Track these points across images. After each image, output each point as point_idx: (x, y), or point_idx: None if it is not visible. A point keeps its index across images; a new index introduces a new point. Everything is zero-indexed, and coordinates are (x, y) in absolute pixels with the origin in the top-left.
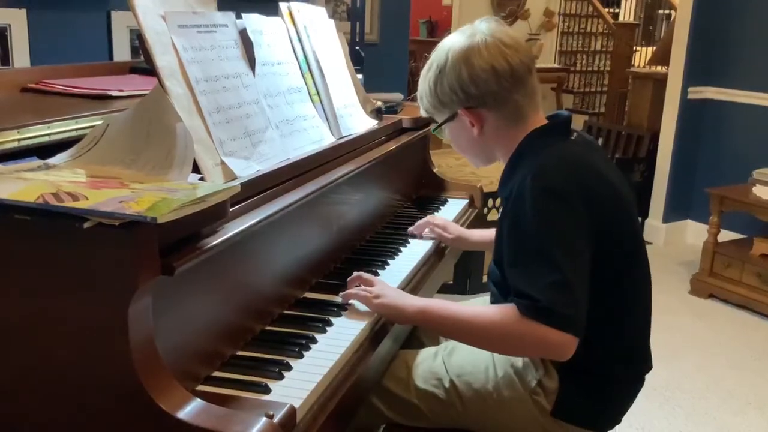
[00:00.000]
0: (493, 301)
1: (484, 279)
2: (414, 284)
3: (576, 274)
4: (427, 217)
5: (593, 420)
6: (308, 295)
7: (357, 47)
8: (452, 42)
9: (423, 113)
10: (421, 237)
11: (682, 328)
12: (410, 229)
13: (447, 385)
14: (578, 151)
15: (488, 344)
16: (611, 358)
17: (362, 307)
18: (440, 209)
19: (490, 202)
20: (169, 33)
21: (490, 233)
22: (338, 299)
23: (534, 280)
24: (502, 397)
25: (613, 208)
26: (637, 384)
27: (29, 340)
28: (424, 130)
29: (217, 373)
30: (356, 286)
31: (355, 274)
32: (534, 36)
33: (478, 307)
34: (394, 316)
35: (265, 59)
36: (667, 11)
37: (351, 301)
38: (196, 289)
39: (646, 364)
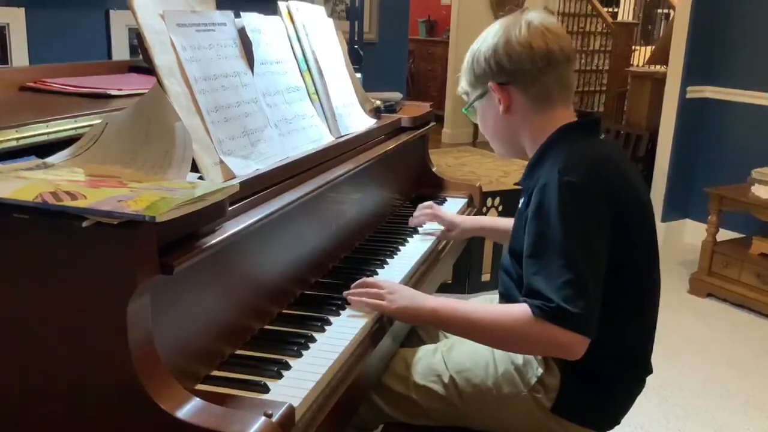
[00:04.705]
0: (502, 290)
1: (484, 278)
2: (413, 283)
3: (592, 275)
4: (429, 210)
5: (592, 418)
6: (307, 294)
7: (356, 46)
8: (498, 22)
9: (461, 95)
10: (421, 225)
11: (681, 327)
12: (411, 221)
13: (446, 380)
14: (607, 152)
15: (501, 345)
16: (615, 359)
17: (363, 307)
18: None
19: (489, 201)
20: (168, 32)
21: (500, 222)
22: (338, 300)
23: (550, 278)
24: (502, 393)
25: (634, 213)
26: (637, 386)
27: (27, 339)
28: (423, 129)
29: (216, 373)
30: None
31: (360, 281)
32: None
33: (488, 306)
34: (409, 320)
35: (264, 58)
36: (665, 10)
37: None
38: (195, 288)
39: (646, 369)
